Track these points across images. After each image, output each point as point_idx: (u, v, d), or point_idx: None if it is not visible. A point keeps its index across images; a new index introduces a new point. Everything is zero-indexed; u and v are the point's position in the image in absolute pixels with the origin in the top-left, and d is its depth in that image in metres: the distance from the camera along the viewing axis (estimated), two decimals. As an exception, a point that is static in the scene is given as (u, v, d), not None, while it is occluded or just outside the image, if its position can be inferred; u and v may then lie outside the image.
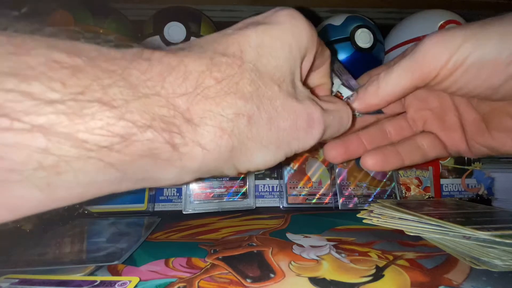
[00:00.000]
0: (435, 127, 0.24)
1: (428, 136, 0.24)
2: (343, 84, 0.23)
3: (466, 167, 0.43)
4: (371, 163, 0.23)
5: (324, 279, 0.21)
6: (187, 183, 0.38)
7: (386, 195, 0.39)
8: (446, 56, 0.18)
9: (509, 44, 0.17)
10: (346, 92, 0.23)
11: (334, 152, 0.24)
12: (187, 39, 0.42)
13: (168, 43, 0.42)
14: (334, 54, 0.27)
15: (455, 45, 0.18)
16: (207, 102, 0.14)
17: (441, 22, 0.40)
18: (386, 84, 0.20)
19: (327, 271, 0.22)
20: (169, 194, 0.40)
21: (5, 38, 0.11)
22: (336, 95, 0.23)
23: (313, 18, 0.18)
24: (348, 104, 0.21)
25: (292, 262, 0.23)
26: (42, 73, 0.11)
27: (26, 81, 0.11)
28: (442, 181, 0.43)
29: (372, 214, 0.33)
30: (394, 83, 0.20)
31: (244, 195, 0.39)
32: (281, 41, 0.16)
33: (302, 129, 0.17)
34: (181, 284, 0.21)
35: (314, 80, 0.22)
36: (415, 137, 0.24)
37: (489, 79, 0.18)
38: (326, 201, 0.39)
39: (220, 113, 0.14)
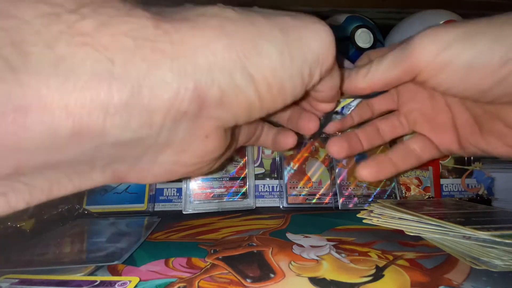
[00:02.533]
0: (426, 128, 0.24)
1: (418, 139, 0.24)
2: None
3: (466, 167, 0.43)
4: (365, 173, 0.24)
5: (324, 279, 0.21)
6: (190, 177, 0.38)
7: (386, 195, 0.39)
8: (434, 52, 0.18)
9: (500, 47, 0.16)
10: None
11: (338, 147, 0.24)
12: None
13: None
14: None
15: (445, 42, 0.17)
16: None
17: (441, 22, 0.40)
18: (375, 71, 0.20)
19: (327, 271, 0.22)
20: (169, 194, 0.40)
21: None
22: None
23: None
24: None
25: (292, 262, 0.23)
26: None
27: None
28: (442, 181, 0.43)
29: (372, 214, 0.33)
30: (382, 72, 0.20)
31: (244, 195, 0.39)
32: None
33: (308, 23, 0.15)
34: (181, 284, 0.21)
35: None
36: (407, 142, 0.24)
37: (479, 82, 0.17)
38: (326, 201, 0.39)
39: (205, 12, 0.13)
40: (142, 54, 0.11)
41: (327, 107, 0.22)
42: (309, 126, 0.24)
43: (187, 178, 0.38)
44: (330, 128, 0.25)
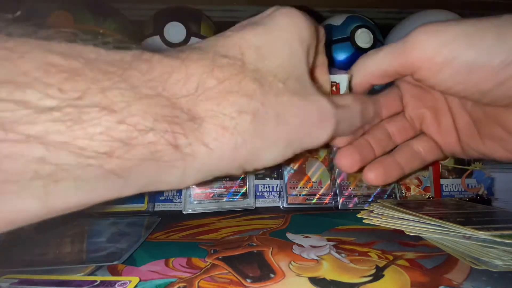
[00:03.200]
0: (431, 128, 0.23)
1: (423, 140, 0.24)
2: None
3: (466, 167, 0.43)
4: (372, 176, 0.23)
5: (324, 279, 0.21)
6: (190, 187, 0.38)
7: (386, 195, 0.39)
8: (433, 49, 0.17)
9: (502, 49, 0.16)
10: (340, 77, 0.22)
11: (349, 160, 0.22)
12: (187, 39, 0.42)
13: (168, 43, 0.42)
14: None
15: (446, 40, 0.17)
16: (209, 102, 0.14)
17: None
18: (372, 62, 0.20)
19: (327, 271, 0.22)
20: (169, 194, 0.40)
21: None
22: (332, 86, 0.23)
23: (314, 17, 0.18)
24: (359, 99, 0.21)
25: (292, 262, 0.23)
26: (37, 78, 0.10)
27: (20, 89, 0.10)
28: (442, 181, 0.43)
29: (372, 214, 0.33)
30: (378, 63, 0.20)
31: (244, 195, 0.39)
32: (281, 40, 0.16)
33: (313, 124, 0.16)
34: (181, 284, 0.21)
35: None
36: (411, 142, 0.24)
37: (479, 83, 0.17)
38: (326, 201, 0.39)
39: (222, 112, 0.14)
40: (160, 169, 0.13)
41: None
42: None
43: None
44: (341, 141, 0.23)
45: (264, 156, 0.16)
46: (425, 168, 0.43)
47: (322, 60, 0.22)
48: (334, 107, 0.17)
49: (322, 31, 0.20)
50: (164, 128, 0.12)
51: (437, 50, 0.17)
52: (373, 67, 0.20)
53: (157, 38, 0.42)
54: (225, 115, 0.14)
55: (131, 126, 0.12)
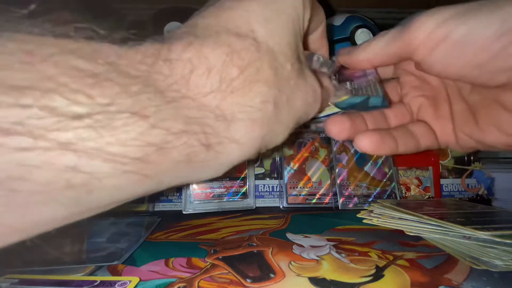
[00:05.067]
0: (428, 115, 0.23)
1: (419, 124, 0.24)
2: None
3: (466, 167, 0.43)
4: (366, 142, 0.21)
5: (324, 279, 0.21)
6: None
7: (386, 195, 0.39)
8: (430, 28, 0.18)
9: (495, 20, 0.16)
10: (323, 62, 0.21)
11: (339, 126, 0.21)
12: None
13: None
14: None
15: (442, 19, 0.17)
16: (235, 95, 0.14)
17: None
18: (375, 45, 0.21)
19: (327, 271, 0.22)
20: (169, 194, 0.40)
21: (15, 45, 0.10)
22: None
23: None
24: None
25: (292, 262, 0.23)
26: (63, 84, 0.10)
27: (47, 95, 0.10)
28: (442, 181, 0.43)
29: (372, 214, 0.33)
30: (381, 46, 0.20)
31: (244, 195, 0.39)
32: (285, 15, 0.16)
33: (310, 105, 0.17)
34: (181, 284, 0.21)
35: (310, 44, 0.22)
36: (407, 125, 0.24)
37: (474, 57, 0.17)
38: (326, 201, 0.39)
39: (249, 104, 0.14)
40: (193, 170, 0.13)
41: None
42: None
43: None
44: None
45: (278, 139, 0.16)
46: (425, 168, 0.43)
47: (323, 43, 0.22)
48: (321, 87, 0.18)
49: (322, 13, 0.20)
50: (195, 129, 0.12)
51: (433, 28, 0.18)
52: (377, 50, 0.21)
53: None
54: (252, 107, 0.14)
55: (165, 130, 0.12)
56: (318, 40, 0.22)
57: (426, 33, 0.18)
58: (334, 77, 0.23)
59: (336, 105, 0.21)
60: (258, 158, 0.40)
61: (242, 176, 0.40)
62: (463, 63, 0.18)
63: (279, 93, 0.15)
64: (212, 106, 0.13)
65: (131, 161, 0.11)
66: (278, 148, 0.42)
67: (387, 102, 0.21)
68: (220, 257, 0.24)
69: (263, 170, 0.42)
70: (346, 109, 0.21)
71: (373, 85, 0.21)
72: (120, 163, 0.11)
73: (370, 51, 0.21)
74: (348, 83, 0.22)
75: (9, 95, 0.09)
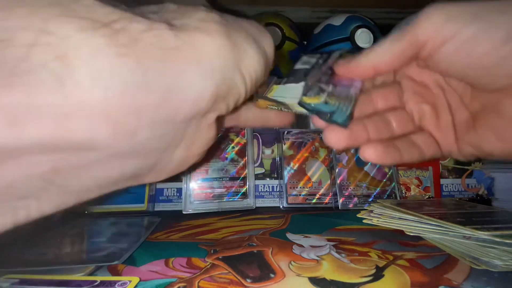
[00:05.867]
0: (431, 125, 0.23)
1: (423, 135, 0.24)
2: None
3: (466, 167, 0.43)
4: (370, 153, 0.21)
5: (324, 279, 0.21)
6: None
7: (386, 195, 0.39)
8: (439, 24, 0.17)
9: (504, 23, 0.16)
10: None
11: (337, 135, 0.21)
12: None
13: None
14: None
15: (451, 15, 0.17)
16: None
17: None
18: (379, 47, 0.20)
19: (327, 271, 0.22)
20: (169, 194, 0.40)
21: None
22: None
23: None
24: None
25: (292, 262, 0.23)
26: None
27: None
28: (442, 181, 0.43)
29: (372, 214, 0.33)
30: (386, 47, 0.20)
31: (244, 195, 0.39)
32: None
33: (257, 31, 0.17)
34: (181, 284, 0.21)
35: None
36: (410, 136, 0.24)
37: (481, 58, 0.17)
38: (326, 201, 0.39)
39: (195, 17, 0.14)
40: (170, 62, 0.13)
41: None
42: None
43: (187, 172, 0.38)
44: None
45: (249, 50, 0.16)
46: (425, 168, 0.43)
47: None
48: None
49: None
50: (160, 17, 0.13)
51: (442, 24, 0.17)
52: (380, 51, 0.20)
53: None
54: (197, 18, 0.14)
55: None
56: None
57: (434, 28, 0.18)
58: (324, 74, 0.22)
59: (301, 103, 0.20)
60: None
61: (242, 176, 0.40)
62: (469, 62, 0.18)
63: (219, 16, 0.15)
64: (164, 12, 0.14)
65: (99, 29, 0.11)
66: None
67: (347, 123, 0.20)
68: (220, 257, 0.24)
69: (263, 170, 0.42)
70: (309, 111, 0.20)
71: (348, 101, 0.20)
72: (90, 28, 0.11)
73: (374, 54, 0.20)
74: (331, 86, 0.21)
75: None
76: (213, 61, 0.14)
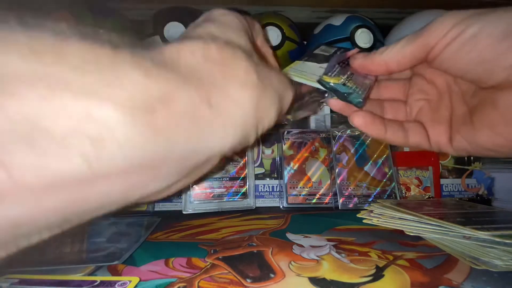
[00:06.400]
0: (425, 116, 0.24)
1: (415, 123, 0.25)
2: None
3: (466, 167, 0.43)
4: (359, 118, 0.23)
5: (324, 279, 0.21)
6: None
7: (386, 195, 0.39)
8: (448, 27, 0.19)
9: (502, 21, 0.18)
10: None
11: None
12: (187, 39, 0.42)
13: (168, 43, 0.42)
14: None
15: (459, 19, 0.19)
16: (220, 67, 0.15)
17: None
18: (393, 47, 0.22)
19: (327, 271, 0.22)
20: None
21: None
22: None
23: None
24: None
25: (292, 262, 0.23)
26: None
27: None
28: (442, 181, 0.43)
29: (372, 214, 0.33)
30: (399, 48, 0.21)
31: (244, 195, 0.39)
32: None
33: (285, 85, 0.19)
34: (181, 284, 0.21)
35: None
36: (401, 121, 0.25)
37: (482, 52, 0.19)
38: (326, 201, 0.39)
39: (235, 74, 0.15)
40: (199, 129, 0.14)
41: None
42: None
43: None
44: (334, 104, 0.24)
45: (271, 112, 0.18)
46: (425, 168, 0.43)
47: (260, 39, 0.24)
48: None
49: (253, 23, 0.22)
50: (197, 84, 0.14)
51: (450, 27, 0.19)
52: (394, 52, 0.22)
53: (157, 38, 0.42)
54: (239, 76, 0.15)
55: (165, 80, 0.13)
56: (261, 49, 0.24)
57: (444, 32, 0.19)
58: (342, 63, 0.24)
59: (321, 81, 0.22)
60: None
61: (242, 176, 0.40)
62: (469, 59, 0.19)
63: (256, 65, 0.16)
64: (205, 71, 0.14)
65: (138, 110, 0.11)
66: (277, 140, 0.42)
67: (362, 105, 0.22)
68: (220, 257, 0.24)
69: (263, 170, 0.42)
70: (327, 89, 0.22)
71: (363, 88, 0.23)
72: (129, 108, 0.11)
73: (387, 53, 0.22)
74: (349, 72, 0.23)
75: None
76: (237, 128, 0.15)
